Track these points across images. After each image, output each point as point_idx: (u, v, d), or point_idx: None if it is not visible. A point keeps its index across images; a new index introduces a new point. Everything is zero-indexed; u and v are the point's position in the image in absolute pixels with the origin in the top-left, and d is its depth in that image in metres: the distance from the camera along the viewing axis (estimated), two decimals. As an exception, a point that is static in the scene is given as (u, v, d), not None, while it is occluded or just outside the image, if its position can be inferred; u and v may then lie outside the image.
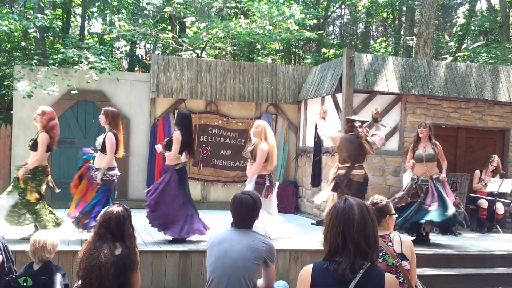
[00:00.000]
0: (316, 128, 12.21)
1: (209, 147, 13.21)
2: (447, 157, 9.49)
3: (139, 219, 8.61)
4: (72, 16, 19.33)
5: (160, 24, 19.80)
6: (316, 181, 11.99)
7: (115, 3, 18.23)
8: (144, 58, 20.87)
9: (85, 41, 15.31)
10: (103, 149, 7.98)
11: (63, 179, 11.52)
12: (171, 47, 17.86)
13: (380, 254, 4.45)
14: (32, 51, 16.26)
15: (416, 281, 4.65)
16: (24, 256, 6.81)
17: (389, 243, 4.52)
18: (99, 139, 8.09)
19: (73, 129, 12.57)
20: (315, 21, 19.92)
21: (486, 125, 11.98)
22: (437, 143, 9.20)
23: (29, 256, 5.24)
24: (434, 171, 9.12)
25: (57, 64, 12.71)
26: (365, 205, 2.98)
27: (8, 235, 7.55)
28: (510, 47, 18.57)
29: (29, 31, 12.01)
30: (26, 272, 4.98)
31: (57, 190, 8.13)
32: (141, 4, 18.98)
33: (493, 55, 18.90)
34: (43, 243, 5.04)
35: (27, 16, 12.43)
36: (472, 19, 21.76)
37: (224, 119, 13.34)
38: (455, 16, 23.15)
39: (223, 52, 19.13)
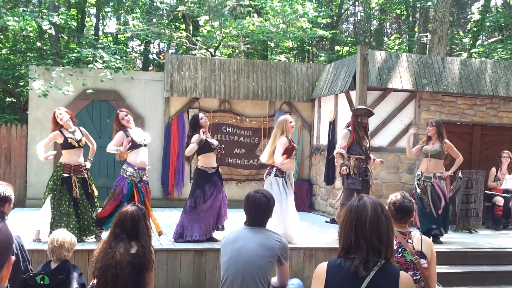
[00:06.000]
0: (329, 126, 12.22)
1: (223, 146, 13.15)
2: (462, 155, 9.47)
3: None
4: (86, 16, 19.45)
5: (173, 23, 19.88)
6: (330, 179, 11.98)
7: (129, 3, 18.31)
8: (158, 58, 20.95)
9: (99, 41, 15.38)
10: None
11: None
12: (184, 46, 17.92)
13: (399, 250, 4.46)
14: (47, 51, 16.39)
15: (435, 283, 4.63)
16: (40, 255, 6.89)
17: (409, 240, 4.53)
18: (147, 137, 8.25)
19: (88, 129, 12.47)
20: (328, 19, 19.88)
21: (501, 121, 11.91)
22: (447, 141, 9.19)
23: (45, 255, 5.29)
24: (439, 169, 9.18)
25: (72, 64, 12.80)
26: (379, 203, 2.99)
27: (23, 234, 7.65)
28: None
29: (44, 27, 12.07)
30: (43, 270, 5.02)
31: None
32: (154, 3, 19.05)
33: (509, 51, 18.75)
34: (61, 241, 5.08)
35: (42, 16, 12.53)
36: (487, 15, 21.58)
37: (238, 118, 13.36)
38: (470, 12, 22.97)
39: (237, 51, 19.16)
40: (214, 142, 8.51)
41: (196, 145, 8.21)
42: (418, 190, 9.29)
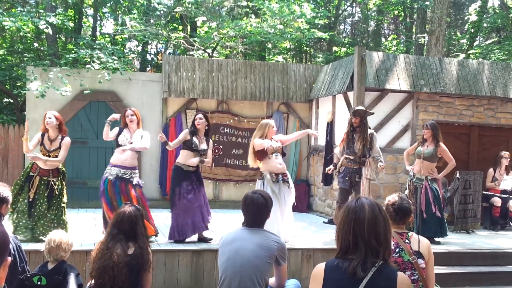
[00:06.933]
0: (327, 127, 12.22)
1: (221, 147, 13.23)
2: (459, 155, 9.50)
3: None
4: (84, 17, 19.44)
5: (171, 24, 19.86)
6: (328, 179, 11.97)
7: (126, 4, 18.30)
8: (155, 58, 20.94)
9: (97, 42, 15.37)
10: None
11: (76, 179, 11.63)
12: (182, 47, 17.90)
13: (397, 250, 4.47)
14: (44, 52, 16.37)
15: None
16: (37, 256, 6.88)
17: (407, 241, 4.54)
18: (136, 141, 8.20)
19: (86, 130, 12.62)
20: (326, 20, 19.89)
21: (498, 122, 11.92)
22: (442, 145, 9.17)
23: (43, 256, 5.27)
24: (431, 171, 9.19)
25: (69, 65, 12.78)
26: (376, 204, 3.00)
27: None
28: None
29: (40, 27, 12.04)
30: (40, 271, 5.01)
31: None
32: (152, 4, 19.04)
33: (506, 52, 18.78)
34: (59, 242, 5.07)
35: (40, 17, 12.52)
36: (484, 16, 21.60)
37: (236, 118, 13.35)
38: (467, 13, 22.99)
39: (234, 52, 19.15)
40: (202, 146, 8.34)
41: (178, 140, 8.40)
42: (407, 191, 9.33)
